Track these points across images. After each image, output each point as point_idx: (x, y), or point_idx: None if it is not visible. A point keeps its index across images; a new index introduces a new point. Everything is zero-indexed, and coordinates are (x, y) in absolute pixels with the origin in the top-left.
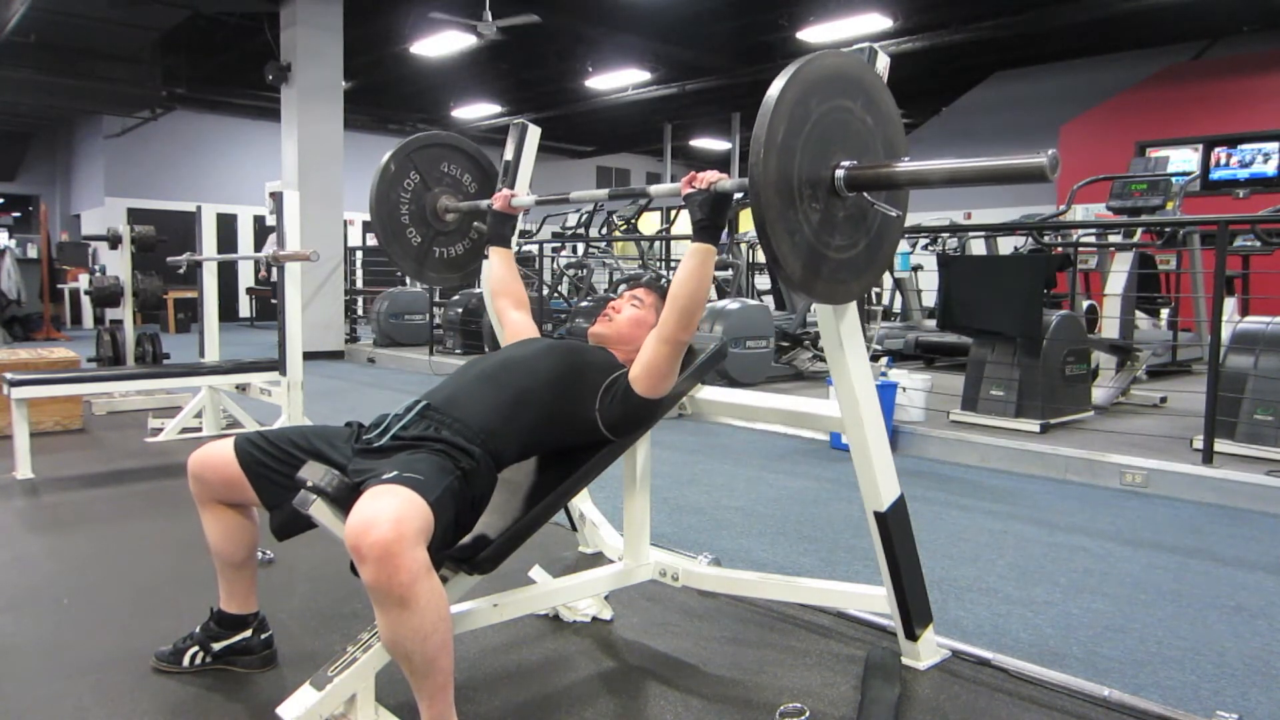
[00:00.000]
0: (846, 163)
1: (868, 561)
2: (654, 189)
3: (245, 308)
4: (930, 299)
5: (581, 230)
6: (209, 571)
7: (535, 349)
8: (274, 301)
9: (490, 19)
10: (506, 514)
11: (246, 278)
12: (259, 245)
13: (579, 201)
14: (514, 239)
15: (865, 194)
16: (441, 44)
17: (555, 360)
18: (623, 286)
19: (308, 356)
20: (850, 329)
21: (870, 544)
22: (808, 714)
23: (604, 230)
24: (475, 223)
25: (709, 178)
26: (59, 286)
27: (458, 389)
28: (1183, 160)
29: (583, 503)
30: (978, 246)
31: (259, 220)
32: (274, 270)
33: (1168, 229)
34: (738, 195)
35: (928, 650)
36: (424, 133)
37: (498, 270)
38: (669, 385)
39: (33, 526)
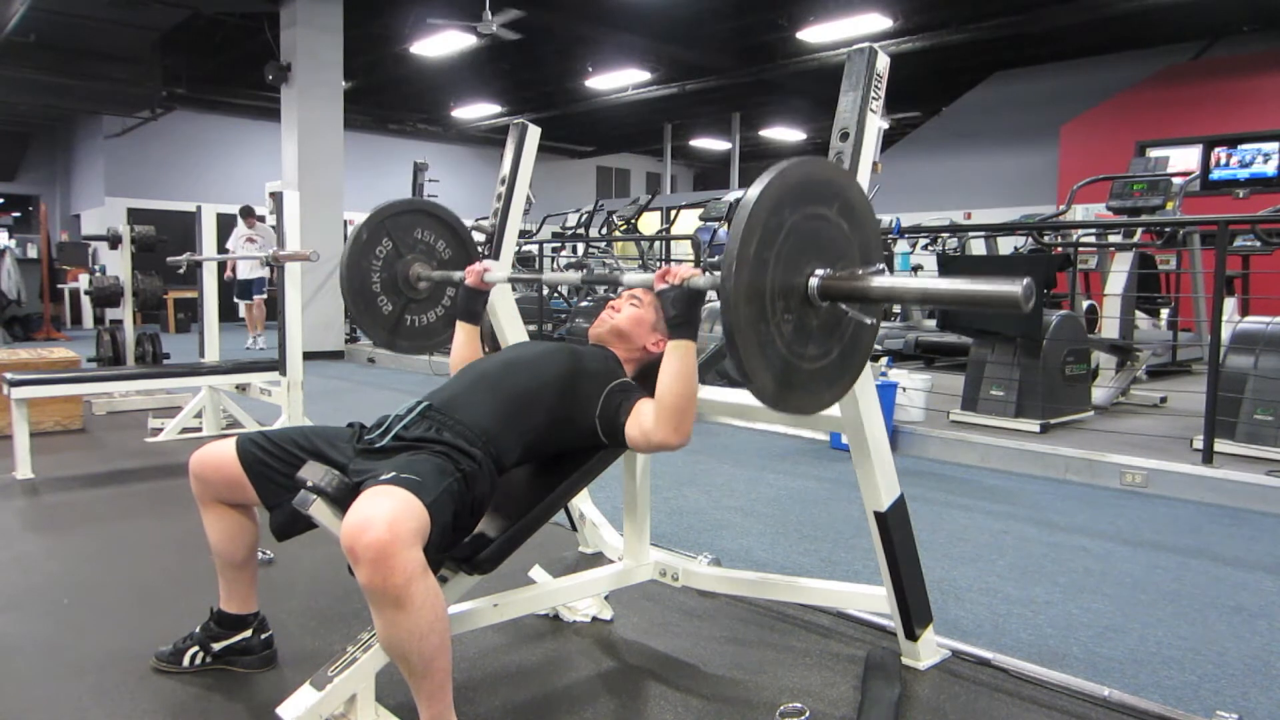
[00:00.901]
0: (821, 271)
1: (868, 561)
2: (627, 278)
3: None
4: None
5: (581, 230)
6: (209, 571)
7: (537, 352)
8: (234, 299)
9: (490, 18)
10: (506, 514)
11: None
12: None
13: (552, 283)
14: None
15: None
16: (441, 44)
17: (557, 364)
18: (622, 286)
19: (308, 356)
20: None
21: (870, 544)
22: (808, 714)
23: (604, 230)
24: (448, 292)
25: (682, 273)
26: (59, 286)
27: (459, 390)
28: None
29: (583, 503)
30: (978, 246)
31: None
32: (235, 269)
33: (1168, 229)
34: (711, 294)
35: (928, 650)
36: (396, 200)
37: (462, 350)
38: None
39: (33, 526)
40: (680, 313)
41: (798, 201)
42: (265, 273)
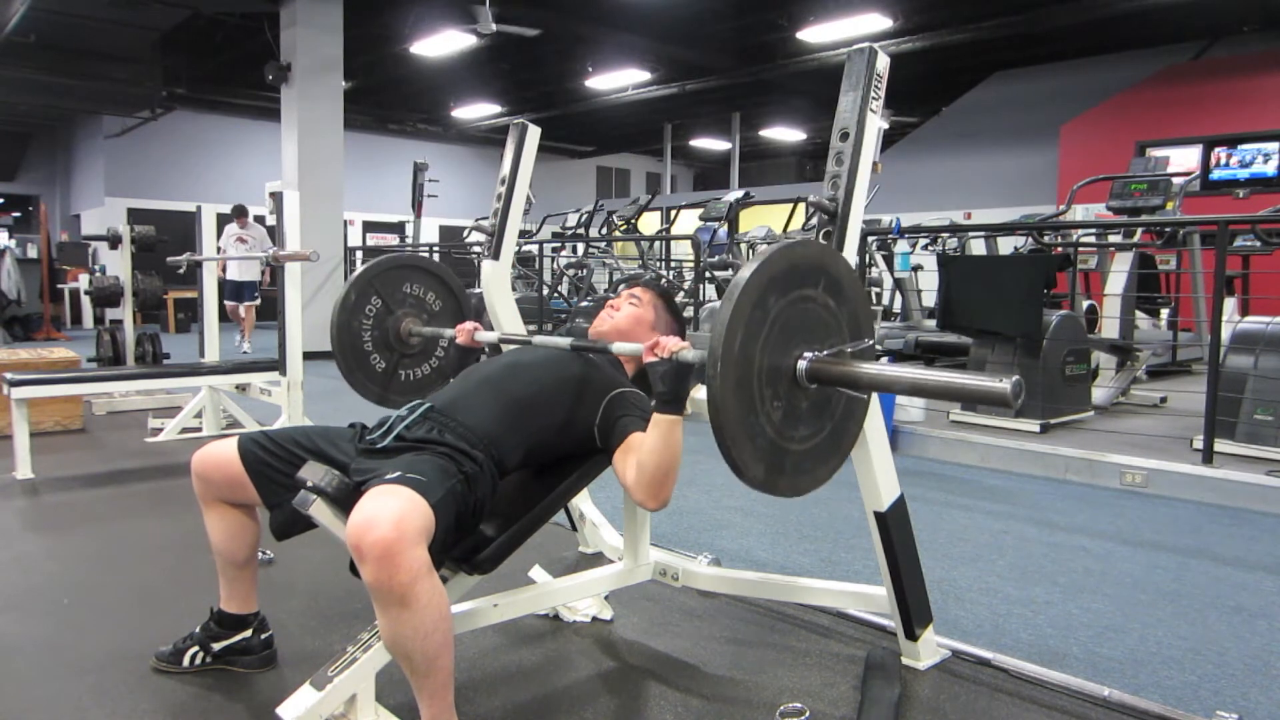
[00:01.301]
0: (809, 354)
1: (868, 561)
2: (615, 347)
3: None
4: (930, 299)
5: (581, 230)
6: (209, 571)
7: (540, 356)
8: (223, 300)
9: (490, 18)
10: (506, 514)
11: None
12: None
13: (542, 345)
14: (508, 249)
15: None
16: (441, 44)
17: (559, 369)
18: (622, 286)
19: (308, 356)
20: None
21: (870, 544)
22: (808, 714)
23: (604, 230)
24: (440, 344)
25: (671, 346)
26: (59, 286)
27: (461, 393)
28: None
29: (583, 503)
30: (978, 246)
31: (259, 220)
32: (225, 269)
33: (1168, 229)
34: (699, 368)
35: (928, 650)
36: (383, 256)
37: None
38: None
39: (33, 526)
40: (668, 388)
41: (782, 289)
42: (258, 275)
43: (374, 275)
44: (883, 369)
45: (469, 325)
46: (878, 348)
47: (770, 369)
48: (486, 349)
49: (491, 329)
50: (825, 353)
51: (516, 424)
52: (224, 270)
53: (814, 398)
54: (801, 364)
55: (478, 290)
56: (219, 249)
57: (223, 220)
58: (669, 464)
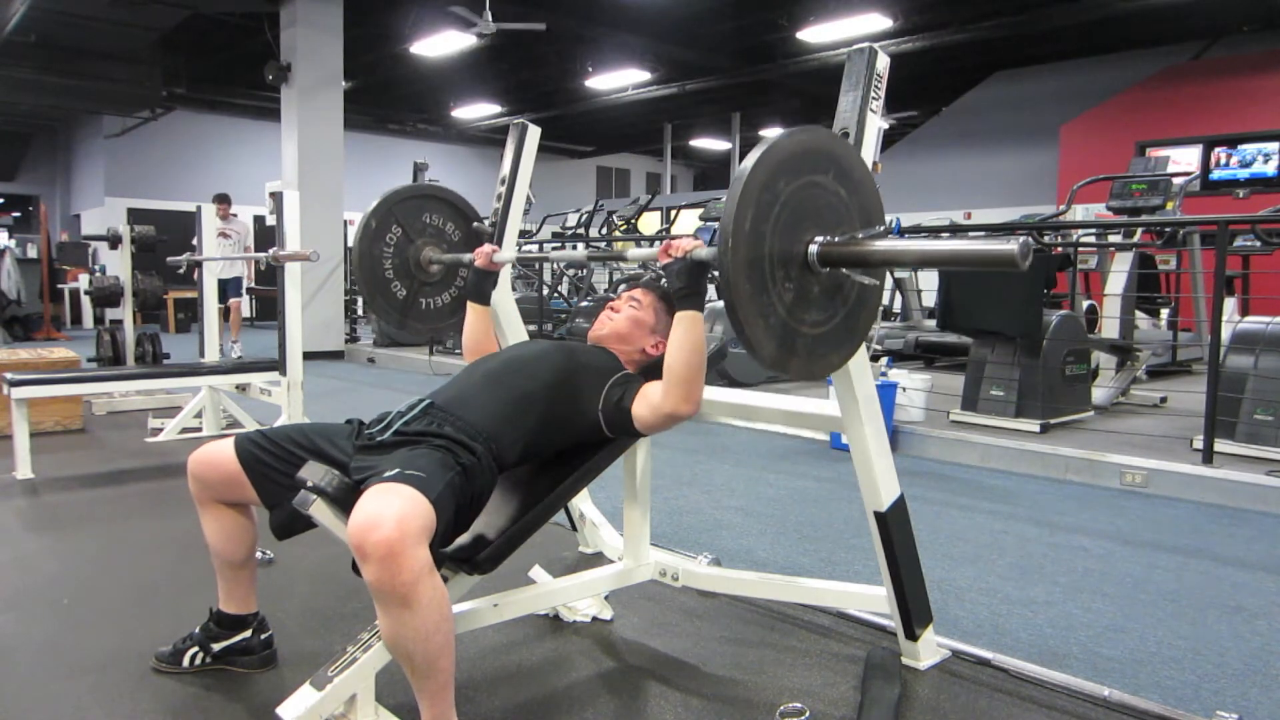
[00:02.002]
0: (820, 239)
1: (868, 561)
2: (631, 253)
3: (245, 307)
4: (930, 299)
5: (581, 230)
6: (209, 571)
7: (538, 351)
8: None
9: (490, 18)
10: (506, 514)
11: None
12: (259, 245)
13: (560, 259)
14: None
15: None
16: (441, 44)
17: (557, 362)
18: (622, 287)
19: (308, 356)
20: None
21: (870, 544)
22: (808, 714)
23: (604, 230)
24: (460, 273)
25: (684, 245)
26: (59, 286)
27: (462, 390)
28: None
29: (583, 503)
30: None
31: (259, 220)
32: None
33: (1168, 229)
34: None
35: (928, 650)
36: (404, 185)
37: (474, 329)
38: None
39: (33, 526)
40: (685, 284)
41: (792, 172)
42: (242, 270)
43: (395, 203)
44: (891, 243)
45: (487, 248)
46: (877, 347)
47: (781, 251)
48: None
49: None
50: (836, 238)
51: (516, 419)
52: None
53: (825, 283)
54: (812, 248)
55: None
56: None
57: None
58: (697, 361)
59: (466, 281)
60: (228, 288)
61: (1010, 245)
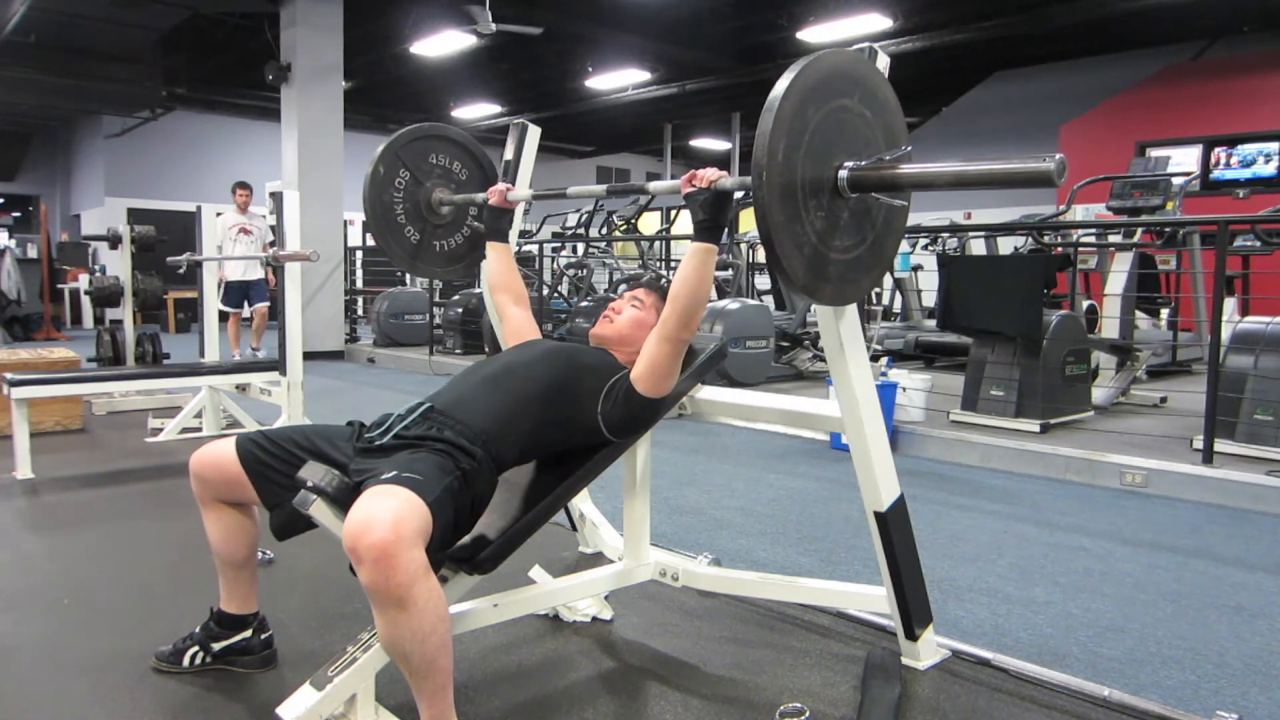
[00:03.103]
0: (849, 163)
1: (868, 561)
2: (653, 185)
3: (245, 308)
4: (930, 299)
5: (581, 230)
6: (209, 571)
7: (537, 353)
8: (222, 307)
9: (489, 18)
10: (506, 514)
11: None
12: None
13: (577, 197)
14: (513, 233)
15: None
16: (441, 44)
17: (556, 364)
18: (623, 286)
19: (308, 356)
20: (850, 329)
21: (870, 544)
22: (808, 714)
23: (604, 230)
24: (471, 214)
25: (709, 176)
26: (59, 286)
27: (461, 392)
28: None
29: (583, 503)
30: (978, 246)
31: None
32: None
33: (1168, 229)
34: (738, 194)
35: (928, 650)
36: (407, 127)
37: (495, 265)
38: (671, 384)
39: (33, 526)
40: (708, 215)
41: (820, 98)
42: (263, 272)
43: (399, 146)
44: (923, 167)
45: (501, 186)
46: (876, 347)
47: (812, 179)
48: (486, 349)
49: (492, 330)
50: (864, 162)
51: (514, 420)
52: (221, 270)
53: (854, 208)
54: (842, 173)
55: (478, 290)
56: (217, 248)
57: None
58: (702, 291)
59: (483, 220)
60: (250, 292)
61: (1046, 163)
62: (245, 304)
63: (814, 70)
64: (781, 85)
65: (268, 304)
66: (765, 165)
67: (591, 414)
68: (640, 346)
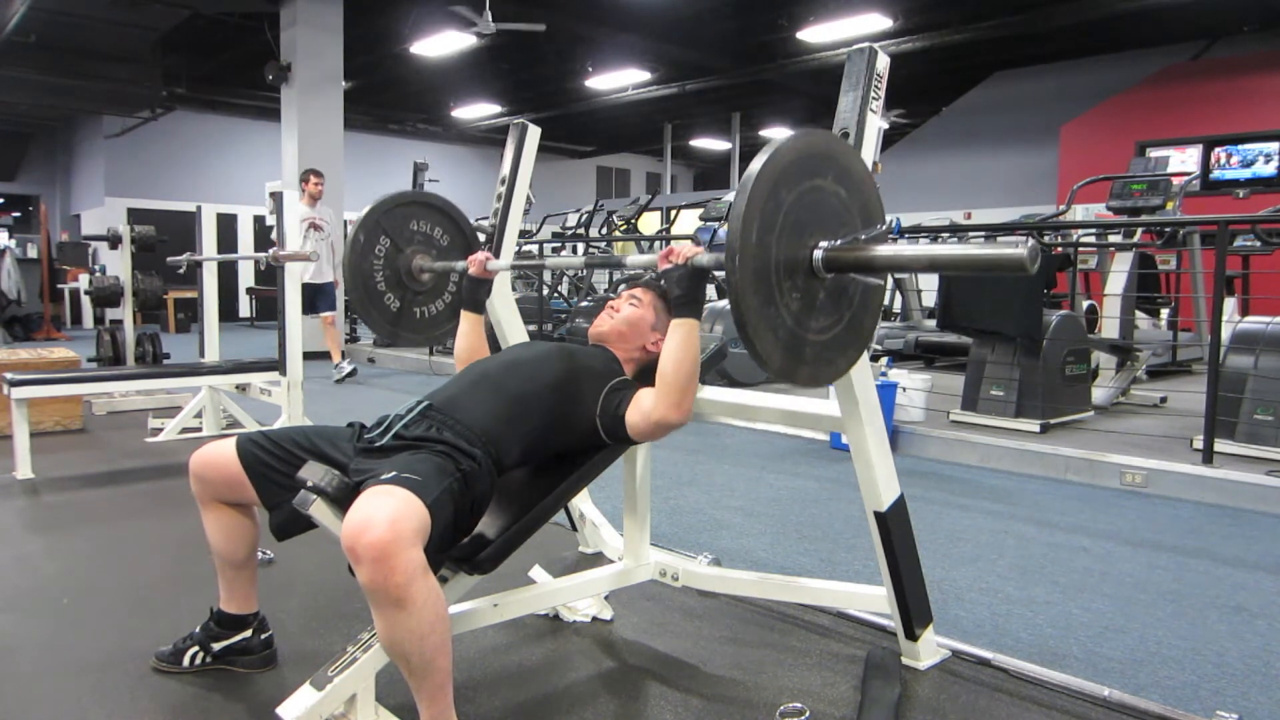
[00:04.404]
0: (824, 243)
1: (868, 561)
2: (630, 260)
3: (245, 308)
4: (930, 299)
5: (581, 230)
6: (209, 571)
7: (538, 353)
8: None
9: (490, 18)
10: (506, 514)
11: (246, 278)
12: (259, 245)
13: (557, 267)
14: (512, 235)
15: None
16: (441, 44)
17: (557, 365)
18: (622, 286)
19: (308, 356)
20: None
21: (870, 544)
22: (808, 714)
23: (604, 230)
24: (452, 279)
25: (685, 252)
26: (59, 286)
27: (460, 391)
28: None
29: (583, 503)
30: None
31: (259, 220)
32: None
33: (1168, 229)
34: (715, 271)
35: (928, 650)
36: (387, 195)
37: (464, 341)
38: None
39: (33, 526)
40: (685, 291)
41: (794, 179)
42: (334, 275)
43: (380, 214)
44: (897, 248)
45: (480, 256)
46: (877, 347)
47: (787, 260)
48: (488, 348)
49: (492, 329)
50: (839, 241)
51: (514, 421)
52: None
53: (830, 287)
54: (817, 254)
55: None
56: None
57: (223, 220)
58: (690, 369)
59: (460, 288)
60: (316, 298)
61: (1019, 250)
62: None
63: (786, 152)
64: (754, 167)
65: (334, 312)
66: (739, 250)
67: (590, 417)
68: (639, 343)
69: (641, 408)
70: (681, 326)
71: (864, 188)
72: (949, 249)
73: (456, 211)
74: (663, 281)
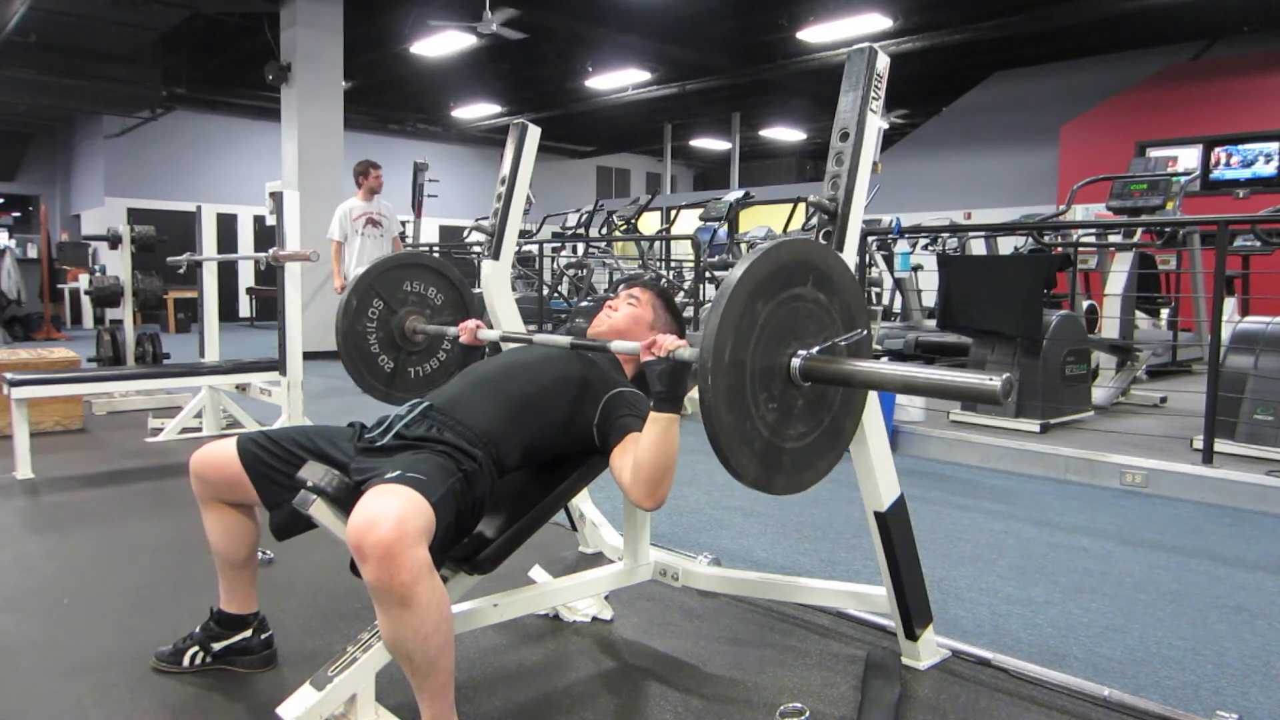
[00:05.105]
0: (802, 352)
1: (868, 561)
2: (615, 345)
3: (245, 308)
4: (930, 299)
5: (581, 230)
6: (209, 571)
7: (539, 355)
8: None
9: (490, 18)
10: (507, 514)
11: (246, 278)
12: (259, 245)
13: (543, 344)
14: (512, 235)
15: None
16: (441, 44)
17: (558, 368)
18: (622, 286)
19: (308, 356)
20: None
21: (870, 544)
22: (808, 714)
23: (604, 230)
24: (445, 345)
25: (668, 345)
26: (59, 286)
27: (461, 392)
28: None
29: (583, 503)
30: (978, 246)
31: (259, 220)
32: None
33: (1168, 229)
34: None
35: (928, 650)
36: (381, 259)
37: None
38: None
39: (33, 526)
40: (666, 387)
41: (770, 292)
42: None
43: (373, 278)
44: (875, 367)
45: (471, 324)
46: (877, 347)
47: (763, 371)
48: (488, 348)
49: (492, 328)
50: (818, 349)
51: (516, 423)
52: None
53: (809, 394)
54: (795, 362)
55: (477, 290)
56: (336, 240)
57: (223, 220)
58: (666, 463)
59: (450, 354)
60: None
61: (993, 383)
62: None
63: (762, 265)
64: (729, 281)
65: None
66: (710, 369)
67: (588, 423)
68: (638, 342)
69: (623, 469)
70: (660, 422)
71: (844, 289)
72: (925, 374)
73: (451, 271)
74: (662, 279)
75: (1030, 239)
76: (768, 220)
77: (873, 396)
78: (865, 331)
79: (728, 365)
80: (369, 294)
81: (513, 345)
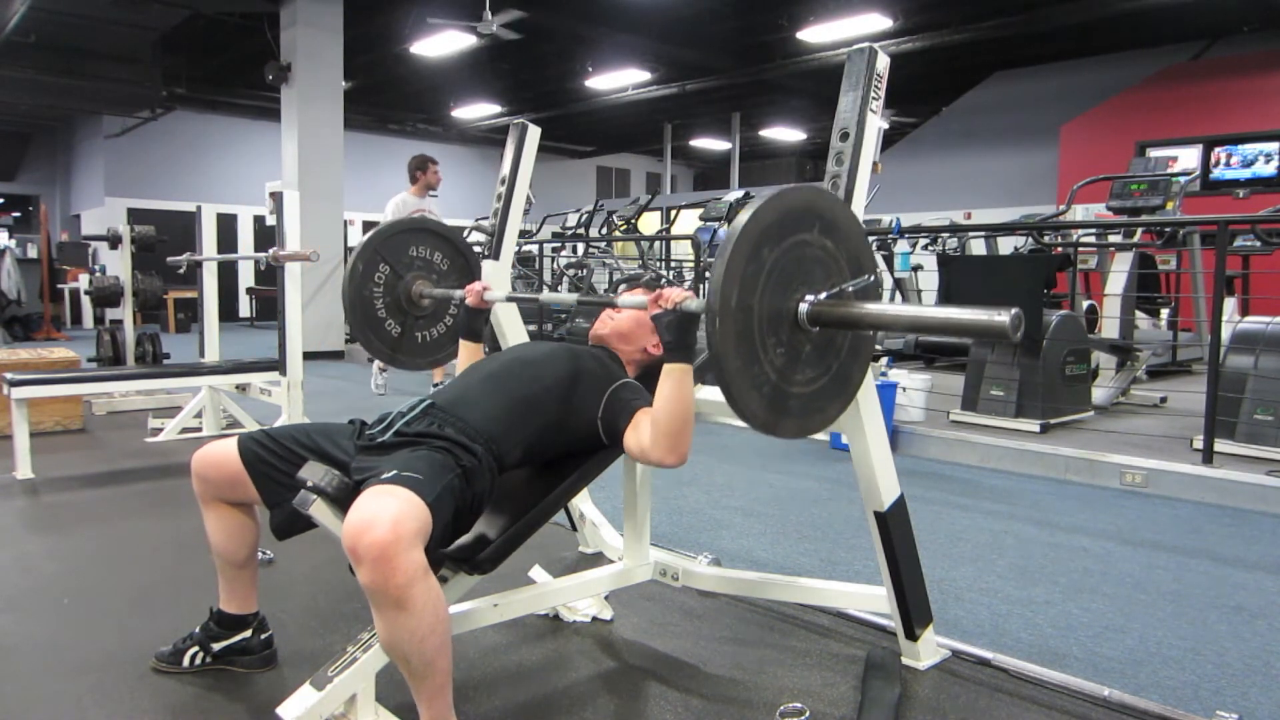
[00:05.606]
0: (810, 297)
1: (868, 561)
2: (622, 300)
3: (245, 308)
4: (930, 299)
5: (581, 230)
6: (209, 571)
7: (541, 353)
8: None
9: (490, 18)
10: (506, 514)
11: (246, 278)
12: (259, 245)
13: (549, 303)
14: (510, 243)
15: None
16: (441, 44)
17: (559, 365)
18: (622, 286)
19: (308, 356)
20: None
21: (870, 544)
22: (808, 714)
23: (604, 230)
24: (451, 307)
25: (674, 297)
26: (59, 286)
27: (463, 390)
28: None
29: (583, 503)
30: (978, 246)
31: (259, 220)
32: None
33: (1168, 229)
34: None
35: (928, 650)
36: (385, 224)
37: (464, 366)
38: None
39: (33, 526)
40: (675, 338)
41: (776, 237)
42: None
43: (379, 242)
44: (883, 308)
45: (478, 286)
46: (877, 348)
47: (771, 316)
48: (487, 348)
49: (493, 331)
50: (825, 294)
51: (517, 421)
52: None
53: (817, 340)
54: (803, 307)
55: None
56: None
57: (223, 220)
58: (684, 413)
59: (457, 319)
60: None
61: (1002, 317)
62: None
63: (768, 210)
64: (735, 227)
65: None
66: (718, 313)
67: (592, 419)
68: (640, 344)
69: (640, 440)
70: (673, 373)
71: (851, 237)
72: (935, 311)
73: (456, 236)
74: (662, 278)
75: (1030, 239)
76: None
77: (872, 396)
78: (872, 277)
79: (735, 310)
80: (374, 258)
81: (515, 343)
